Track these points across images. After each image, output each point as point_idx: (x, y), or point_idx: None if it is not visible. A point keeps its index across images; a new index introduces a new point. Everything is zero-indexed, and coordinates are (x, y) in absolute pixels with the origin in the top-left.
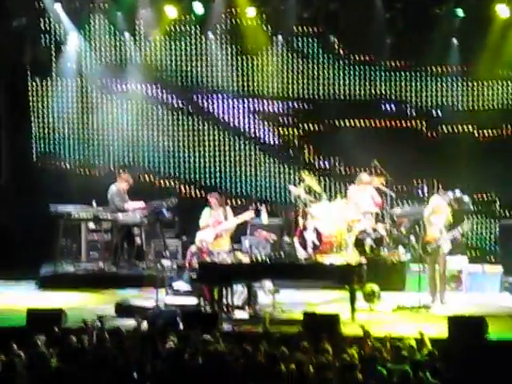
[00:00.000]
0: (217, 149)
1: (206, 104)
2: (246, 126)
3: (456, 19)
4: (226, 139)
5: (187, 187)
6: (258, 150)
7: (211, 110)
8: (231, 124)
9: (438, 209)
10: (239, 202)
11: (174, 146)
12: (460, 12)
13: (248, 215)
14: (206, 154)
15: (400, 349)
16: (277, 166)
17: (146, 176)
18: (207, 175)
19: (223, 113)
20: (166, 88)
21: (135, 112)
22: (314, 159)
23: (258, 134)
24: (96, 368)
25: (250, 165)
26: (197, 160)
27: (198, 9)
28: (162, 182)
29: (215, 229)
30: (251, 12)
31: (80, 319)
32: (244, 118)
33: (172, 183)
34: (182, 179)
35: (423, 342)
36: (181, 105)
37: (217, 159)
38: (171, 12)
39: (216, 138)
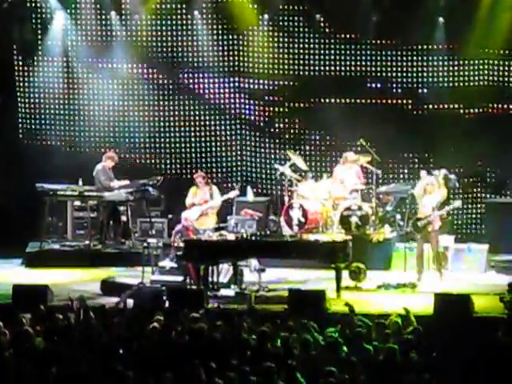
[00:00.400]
0: (202, 127)
1: (191, 82)
2: (232, 105)
3: None
4: (212, 117)
5: (173, 165)
6: (243, 128)
7: (197, 88)
8: (217, 102)
9: (430, 188)
10: (225, 181)
11: (160, 124)
12: None
13: (233, 193)
14: (192, 133)
15: (385, 326)
16: (262, 143)
17: (132, 154)
18: (193, 154)
19: (209, 91)
20: (152, 66)
21: (121, 90)
22: (300, 137)
23: (243, 112)
24: (82, 346)
25: (236, 143)
26: (182, 138)
27: None
28: (147, 160)
29: (201, 207)
30: None
31: (66, 297)
32: (230, 95)
33: (158, 161)
34: (168, 157)
35: (408, 319)
36: (166, 83)
37: (202, 138)
38: None
39: (201, 116)
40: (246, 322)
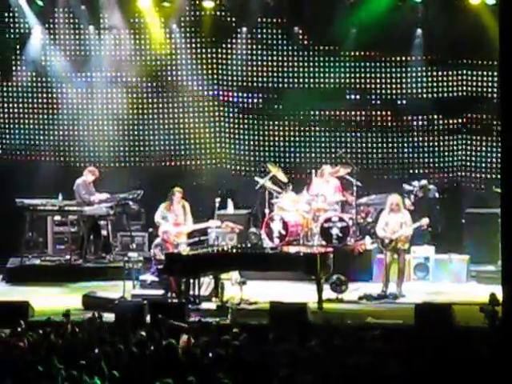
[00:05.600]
0: (182, 136)
1: (170, 95)
2: (211, 118)
3: (420, 8)
4: (192, 128)
5: (152, 179)
6: (222, 141)
7: (176, 101)
8: (196, 114)
9: (395, 207)
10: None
11: (140, 137)
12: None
13: (213, 223)
14: (172, 143)
15: (365, 339)
16: (242, 156)
17: (112, 167)
18: (172, 166)
19: (188, 103)
20: (132, 77)
21: (100, 104)
22: (280, 149)
23: (222, 125)
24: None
25: (216, 156)
26: (162, 152)
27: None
28: (127, 173)
29: (175, 228)
30: (209, 3)
31: (47, 312)
32: (209, 108)
33: (137, 173)
34: (147, 171)
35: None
36: (145, 97)
37: (182, 149)
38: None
39: (181, 125)
40: (229, 335)
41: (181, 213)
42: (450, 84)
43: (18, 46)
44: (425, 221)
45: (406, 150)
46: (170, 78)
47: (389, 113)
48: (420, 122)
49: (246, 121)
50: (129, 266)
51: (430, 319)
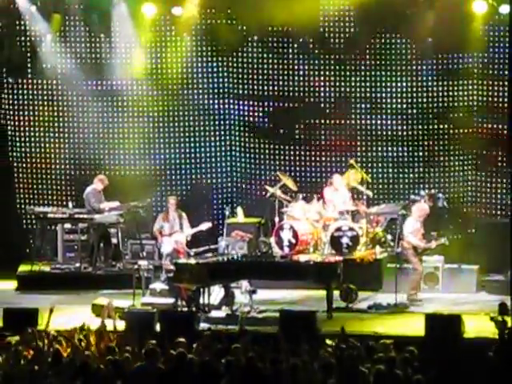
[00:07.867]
0: (192, 149)
1: (181, 103)
2: (222, 126)
3: (429, 19)
4: (202, 139)
5: (163, 187)
6: (233, 150)
7: (186, 110)
8: (206, 124)
9: (425, 216)
10: (216, 205)
11: (150, 146)
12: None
13: (205, 226)
14: (182, 154)
15: (375, 349)
16: (253, 165)
17: (123, 176)
18: (183, 176)
19: (199, 113)
20: (142, 85)
21: (110, 112)
22: (290, 158)
23: (232, 134)
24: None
25: (226, 165)
26: (172, 160)
27: (176, 11)
28: (138, 182)
29: (171, 237)
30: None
31: (56, 320)
32: (220, 117)
33: (148, 183)
34: (158, 179)
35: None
36: (156, 105)
37: (192, 160)
38: (149, 11)
39: (191, 138)
40: (238, 344)
41: (176, 222)
42: (461, 94)
43: (29, 54)
44: (445, 240)
45: (415, 158)
46: (180, 87)
47: (399, 122)
48: (430, 131)
49: (255, 129)
50: (139, 274)
51: (439, 329)
